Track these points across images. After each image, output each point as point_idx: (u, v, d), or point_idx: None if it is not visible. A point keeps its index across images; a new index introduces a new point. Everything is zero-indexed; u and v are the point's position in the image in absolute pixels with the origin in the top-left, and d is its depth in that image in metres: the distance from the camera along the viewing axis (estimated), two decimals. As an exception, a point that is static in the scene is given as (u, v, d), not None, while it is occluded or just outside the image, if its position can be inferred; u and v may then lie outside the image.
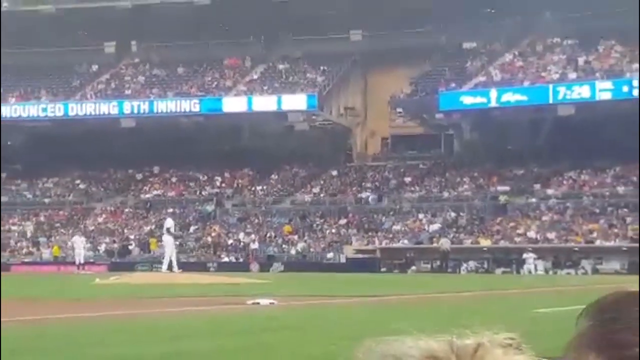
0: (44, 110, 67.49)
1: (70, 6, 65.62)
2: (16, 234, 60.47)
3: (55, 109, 66.88)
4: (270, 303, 23.72)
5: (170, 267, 46.37)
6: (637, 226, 46.98)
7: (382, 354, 0.87)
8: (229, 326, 17.03)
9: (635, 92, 50.03)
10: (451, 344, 0.86)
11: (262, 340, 14.81)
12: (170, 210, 59.01)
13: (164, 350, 13.75)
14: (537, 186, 51.12)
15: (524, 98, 50.77)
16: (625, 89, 50.71)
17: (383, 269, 46.58)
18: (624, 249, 44.86)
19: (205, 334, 15.65)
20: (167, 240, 48.50)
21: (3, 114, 67.58)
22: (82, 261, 55.80)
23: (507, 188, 52.57)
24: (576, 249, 46.64)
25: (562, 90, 50.52)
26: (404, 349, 0.87)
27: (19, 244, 60.05)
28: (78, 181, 64.95)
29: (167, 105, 64.54)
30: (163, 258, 47.59)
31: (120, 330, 16.89)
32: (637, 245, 45.52)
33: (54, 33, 65.40)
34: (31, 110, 67.59)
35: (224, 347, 14.65)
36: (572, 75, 51.78)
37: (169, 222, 50.41)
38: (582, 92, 50.68)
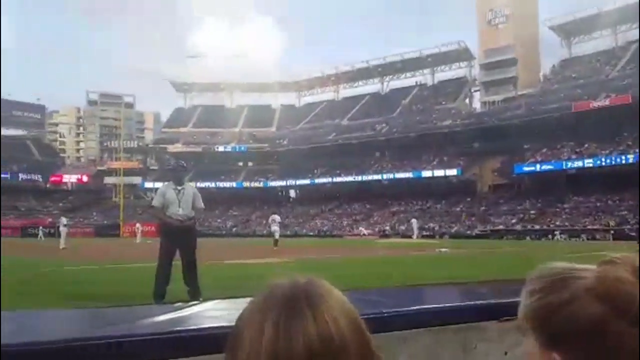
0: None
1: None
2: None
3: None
4: (445, 250, 20.07)
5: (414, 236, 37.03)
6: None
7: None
8: (429, 259, 15.24)
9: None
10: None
11: (443, 265, 13.02)
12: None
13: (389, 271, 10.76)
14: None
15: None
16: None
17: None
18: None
19: (419, 264, 13.44)
20: (414, 222, 39.12)
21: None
22: (365, 233, 46.78)
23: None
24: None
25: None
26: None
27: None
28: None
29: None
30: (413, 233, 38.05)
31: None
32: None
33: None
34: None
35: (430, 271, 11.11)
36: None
37: (414, 223, 39.19)
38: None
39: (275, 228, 22.69)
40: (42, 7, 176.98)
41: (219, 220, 59.48)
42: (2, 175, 63.19)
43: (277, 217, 23.66)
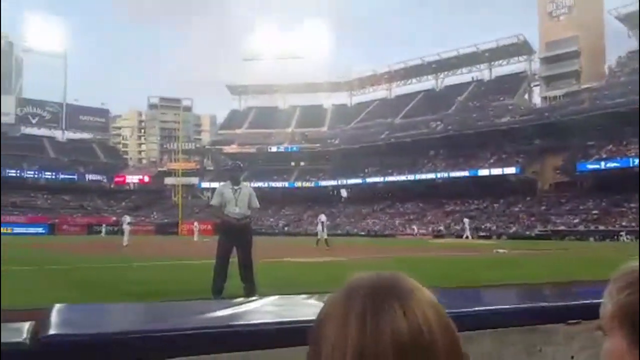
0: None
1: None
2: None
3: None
4: (503, 251, 19.26)
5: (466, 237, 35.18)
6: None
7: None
8: (486, 260, 14.38)
9: None
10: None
11: (501, 265, 12.22)
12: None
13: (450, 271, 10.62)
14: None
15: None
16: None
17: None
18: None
19: (475, 264, 13.12)
20: (467, 221, 37.49)
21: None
22: (417, 232, 46.61)
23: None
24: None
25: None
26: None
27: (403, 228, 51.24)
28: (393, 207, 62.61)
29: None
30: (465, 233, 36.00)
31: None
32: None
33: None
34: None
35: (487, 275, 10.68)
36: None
37: (466, 222, 37.08)
38: None
39: (321, 228, 23.08)
40: (106, 16, 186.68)
41: (271, 219, 60.42)
42: (70, 176, 67.86)
43: (323, 217, 24.08)
